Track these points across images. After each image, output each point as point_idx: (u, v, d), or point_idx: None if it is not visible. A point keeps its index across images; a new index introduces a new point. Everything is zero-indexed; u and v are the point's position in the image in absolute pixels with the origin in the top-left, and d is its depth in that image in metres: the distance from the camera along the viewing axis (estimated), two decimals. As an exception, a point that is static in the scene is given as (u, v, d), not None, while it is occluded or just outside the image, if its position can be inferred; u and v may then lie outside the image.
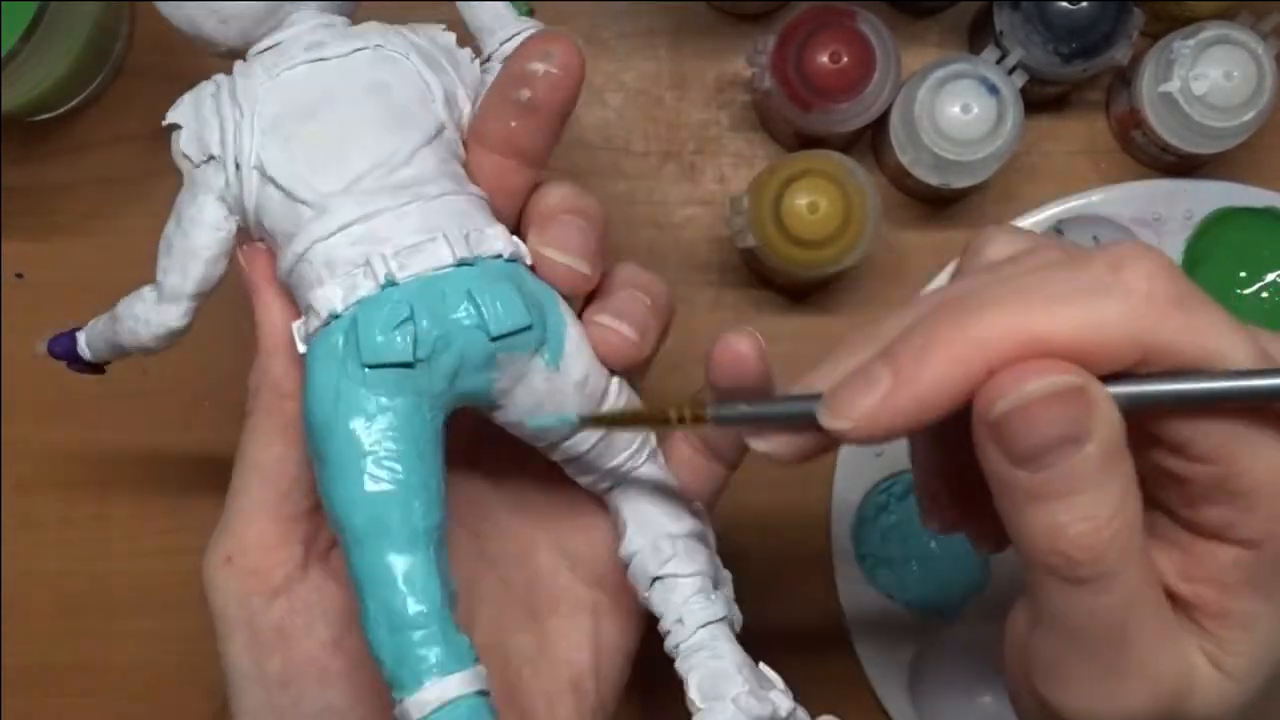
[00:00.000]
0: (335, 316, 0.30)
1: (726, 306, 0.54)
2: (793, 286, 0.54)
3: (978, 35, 0.53)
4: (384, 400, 0.30)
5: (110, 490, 0.54)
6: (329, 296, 0.31)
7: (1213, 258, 0.52)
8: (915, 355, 0.26)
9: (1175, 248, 0.52)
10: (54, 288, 0.54)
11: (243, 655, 0.34)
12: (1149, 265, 0.26)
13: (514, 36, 0.34)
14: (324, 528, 0.35)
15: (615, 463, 0.35)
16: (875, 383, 0.26)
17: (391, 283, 0.30)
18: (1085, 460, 0.25)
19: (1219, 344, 0.26)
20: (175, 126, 0.33)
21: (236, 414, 0.53)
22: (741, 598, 0.36)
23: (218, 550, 0.34)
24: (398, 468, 0.30)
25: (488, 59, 0.35)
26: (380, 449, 0.30)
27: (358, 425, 0.30)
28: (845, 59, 0.48)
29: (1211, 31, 0.48)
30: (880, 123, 0.50)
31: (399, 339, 0.30)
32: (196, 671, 0.53)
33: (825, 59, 0.48)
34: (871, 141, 0.54)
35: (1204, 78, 0.48)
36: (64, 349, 0.38)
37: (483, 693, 0.29)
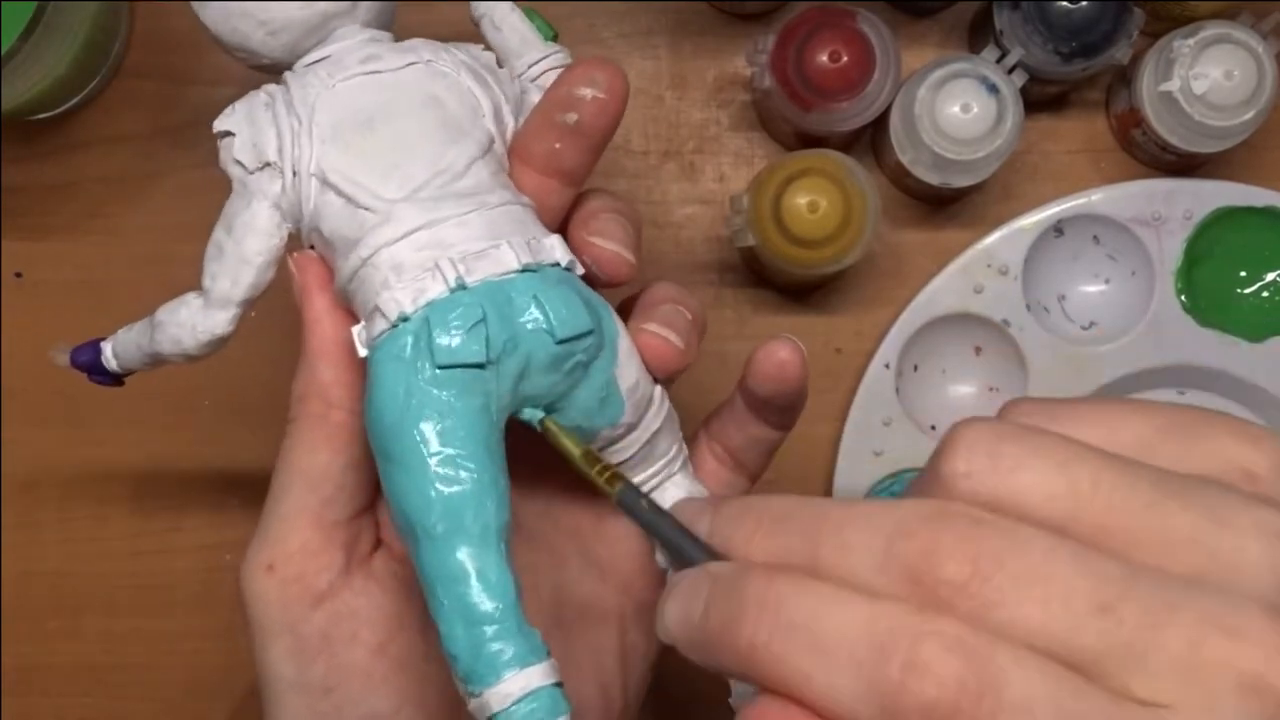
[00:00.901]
0: (404, 319, 0.31)
1: (726, 306, 0.54)
2: (792, 286, 0.54)
3: (978, 35, 0.53)
4: (455, 401, 0.30)
5: (110, 490, 0.54)
6: (398, 299, 0.31)
7: (1212, 257, 0.52)
8: (717, 630, 0.25)
9: (1175, 248, 0.52)
10: (53, 288, 0.54)
11: (285, 662, 0.34)
12: None
13: (541, 60, 0.35)
14: (365, 534, 0.35)
15: (652, 470, 0.35)
16: (692, 622, 0.26)
17: (462, 286, 0.31)
18: None
19: None
20: (227, 134, 0.33)
21: (237, 414, 0.54)
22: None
23: (258, 557, 0.34)
24: (471, 466, 0.30)
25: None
26: (452, 449, 0.30)
27: (429, 426, 0.30)
28: (845, 59, 0.48)
29: (1211, 31, 0.48)
30: (880, 122, 0.50)
31: (472, 341, 0.30)
32: (197, 672, 0.54)
33: (825, 59, 0.48)
34: (871, 141, 0.54)
35: (1204, 77, 0.48)
36: (88, 360, 0.37)
37: (559, 684, 0.29)
